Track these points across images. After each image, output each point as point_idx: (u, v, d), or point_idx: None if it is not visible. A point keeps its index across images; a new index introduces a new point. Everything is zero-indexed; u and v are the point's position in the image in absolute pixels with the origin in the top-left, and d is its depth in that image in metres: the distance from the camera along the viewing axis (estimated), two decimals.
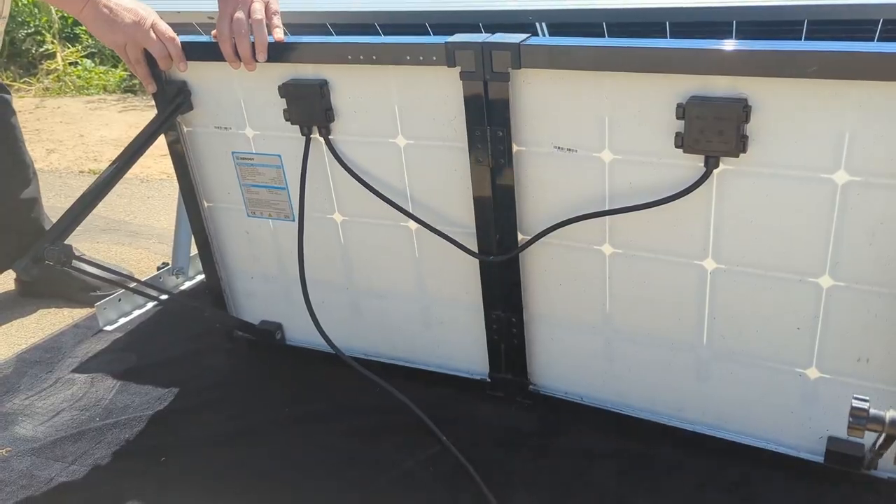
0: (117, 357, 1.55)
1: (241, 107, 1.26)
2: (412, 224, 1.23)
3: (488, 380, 1.31)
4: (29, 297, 1.90)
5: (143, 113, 3.54)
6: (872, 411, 0.84)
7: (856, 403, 0.84)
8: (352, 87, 1.16)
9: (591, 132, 1.03)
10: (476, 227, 1.17)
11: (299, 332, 1.48)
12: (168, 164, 2.46)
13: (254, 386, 1.43)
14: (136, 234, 2.29)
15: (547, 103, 1.04)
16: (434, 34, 1.38)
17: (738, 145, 0.93)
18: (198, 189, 1.39)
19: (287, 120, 1.22)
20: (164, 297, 1.44)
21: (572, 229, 1.09)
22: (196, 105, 1.30)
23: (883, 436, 0.85)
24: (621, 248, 1.10)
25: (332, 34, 1.46)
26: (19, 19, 4.48)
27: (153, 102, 1.33)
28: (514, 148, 1.09)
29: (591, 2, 1.25)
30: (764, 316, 1.04)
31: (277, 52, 1.16)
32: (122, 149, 1.24)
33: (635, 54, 0.94)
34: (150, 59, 1.23)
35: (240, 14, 1.15)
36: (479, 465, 1.15)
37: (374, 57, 1.09)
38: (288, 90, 1.18)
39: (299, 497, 1.15)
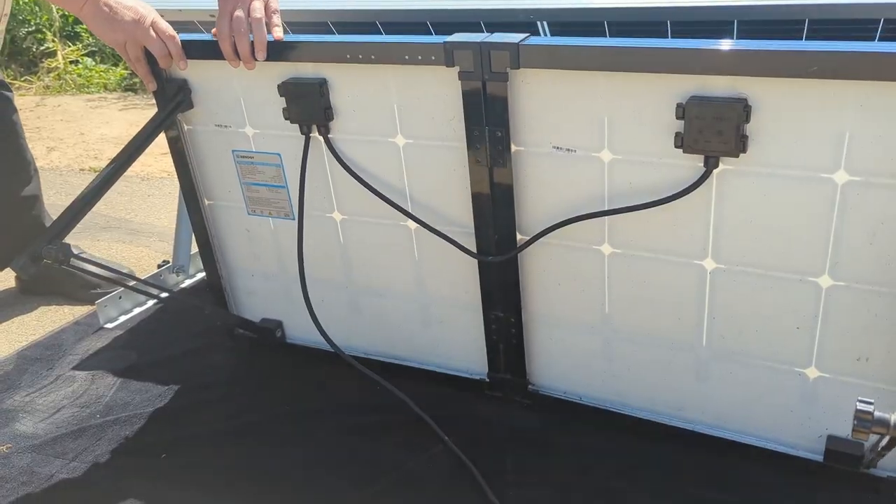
0: (118, 354, 1.55)
1: (240, 105, 1.26)
2: (411, 223, 1.23)
3: (487, 380, 1.31)
4: (30, 294, 1.90)
5: (143, 111, 3.55)
6: (877, 414, 0.84)
7: (860, 406, 0.84)
8: (351, 86, 1.16)
9: (591, 132, 1.03)
10: (475, 227, 1.17)
11: (299, 329, 1.48)
12: (169, 162, 2.46)
13: (254, 384, 1.43)
14: (136, 232, 2.29)
15: (546, 103, 1.04)
16: (435, 33, 1.38)
17: (738, 145, 0.93)
18: (198, 187, 1.39)
19: (286, 119, 1.22)
20: (163, 294, 1.44)
21: (571, 229, 1.09)
22: (196, 103, 1.30)
23: (887, 438, 0.85)
24: (620, 248, 1.10)
25: (333, 33, 1.46)
26: (20, 17, 4.48)
27: (154, 101, 1.33)
28: (513, 148, 1.09)
29: (592, 1, 1.25)
30: (763, 316, 1.04)
31: (276, 51, 1.16)
32: (123, 147, 1.24)
33: (635, 54, 0.94)
34: (150, 58, 1.23)
35: (239, 13, 1.15)
36: (479, 464, 1.16)
37: (373, 56, 1.09)
38: (287, 89, 1.18)
39: (299, 495, 1.15)
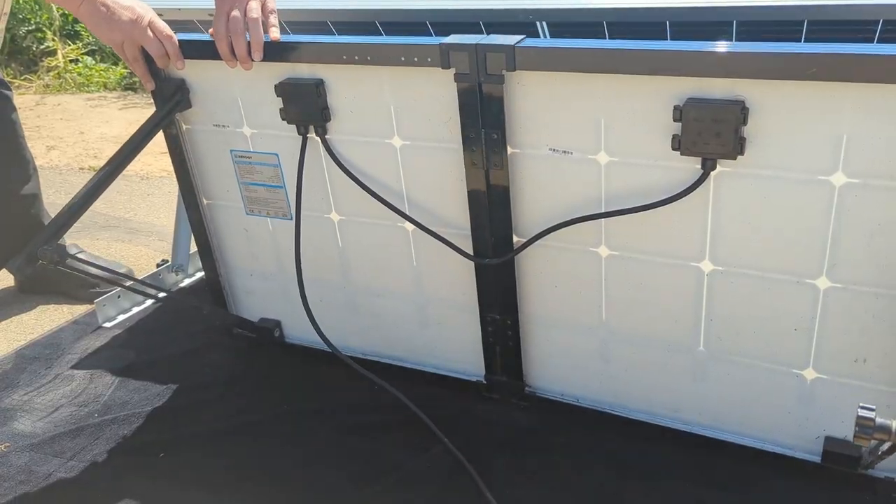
0: (116, 354, 1.55)
1: (238, 105, 1.26)
2: (408, 225, 1.23)
3: (484, 381, 1.31)
4: (29, 293, 1.90)
5: (143, 110, 3.55)
6: (879, 420, 0.84)
7: (862, 413, 0.84)
8: (348, 87, 1.16)
9: (587, 134, 1.03)
10: (471, 229, 1.17)
11: (298, 329, 1.48)
12: (168, 162, 2.45)
13: (253, 383, 1.43)
14: (135, 231, 2.29)
15: (542, 105, 1.04)
16: (435, 33, 1.39)
17: (736, 147, 0.93)
18: (197, 186, 1.39)
19: (284, 119, 1.22)
20: (161, 294, 1.44)
21: (568, 231, 1.09)
22: (194, 103, 1.30)
23: (888, 444, 0.85)
24: (617, 250, 1.10)
25: (332, 32, 1.46)
26: (20, 16, 4.48)
27: (153, 100, 1.33)
28: (509, 150, 1.09)
29: (591, 1, 1.25)
30: (761, 317, 1.04)
31: (273, 52, 1.16)
32: (120, 146, 1.24)
33: (631, 56, 0.94)
34: (147, 57, 1.23)
35: (236, 13, 1.14)
36: (477, 464, 1.16)
37: (369, 57, 1.09)
38: (284, 89, 1.18)
39: (298, 494, 1.15)
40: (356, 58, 1.10)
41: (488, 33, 1.35)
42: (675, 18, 1.20)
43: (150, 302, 1.74)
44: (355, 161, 1.22)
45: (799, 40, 1.17)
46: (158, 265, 1.83)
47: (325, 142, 1.21)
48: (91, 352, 1.56)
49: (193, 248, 1.66)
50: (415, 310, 1.33)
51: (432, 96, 1.10)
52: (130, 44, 1.20)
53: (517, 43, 1.00)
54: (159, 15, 1.55)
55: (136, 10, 1.19)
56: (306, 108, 1.18)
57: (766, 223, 0.98)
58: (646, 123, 0.98)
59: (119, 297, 1.70)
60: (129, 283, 1.48)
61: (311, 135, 1.22)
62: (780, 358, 1.06)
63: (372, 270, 1.32)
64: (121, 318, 1.68)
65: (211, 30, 1.19)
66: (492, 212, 1.14)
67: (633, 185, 1.03)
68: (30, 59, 4.49)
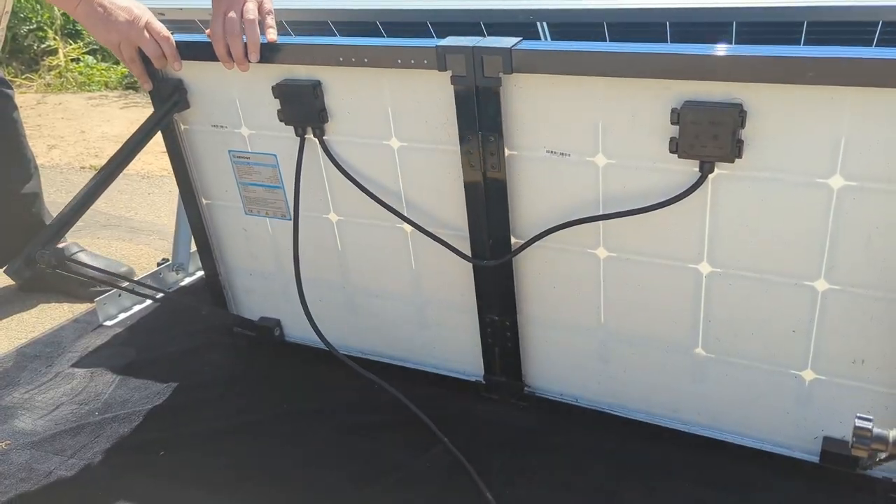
0: (117, 352, 1.55)
1: (236, 106, 1.26)
2: (407, 226, 1.23)
3: (483, 382, 1.32)
4: (29, 291, 1.90)
5: (144, 109, 3.55)
6: (876, 431, 0.83)
7: (859, 423, 0.84)
8: (345, 89, 1.16)
9: (585, 136, 1.03)
10: (469, 231, 1.17)
11: (298, 328, 1.49)
12: (168, 159, 2.46)
13: (252, 382, 1.43)
14: (136, 231, 2.30)
15: (539, 107, 1.04)
16: (436, 33, 1.39)
17: (734, 150, 0.93)
18: (196, 186, 1.39)
19: (281, 120, 1.21)
20: (159, 295, 1.44)
21: (566, 233, 1.09)
22: (192, 103, 1.30)
23: (886, 454, 0.85)
24: (615, 251, 1.10)
25: (333, 32, 1.47)
26: (21, 15, 4.48)
27: (151, 100, 1.33)
28: (507, 152, 1.09)
29: (592, 2, 1.25)
30: (759, 319, 1.04)
31: (270, 53, 1.16)
32: (119, 147, 1.24)
33: (629, 59, 0.93)
34: (144, 58, 1.23)
35: (233, 14, 1.14)
36: (476, 464, 1.16)
37: (366, 59, 1.09)
38: (281, 91, 1.18)
39: (297, 493, 1.15)
40: (353, 60, 1.10)
41: (488, 34, 1.35)
42: (675, 19, 1.20)
43: (150, 300, 1.74)
44: (353, 162, 1.22)
45: (798, 42, 1.17)
46: (159, 264, 1.83)
47: (322, 143, 1.21)
48: (92, 350, 1.56)
49: (194, 247, 1.66)
50: (414, 310, 1.33)
51: (429, 98, 1.10)
52: (127, 45, 1.20)
53: (514, 46, 1.00)
54: (161, 14, 1.56)
55: (133, 11, 1.18)
56: (304, 109, 1.18)
57: (764, 225, 0.98)
58: (643, 126, 0.98)
59: (120, 295, 1.71)
60: (125, 283, 1.48)
61: (309, 136, 1.22)
62: (779, 359, 1.06)
63: (370, 271, 1.33)
64: (121, 316, 1.69)
65: (208, 30, 1.19)
66: (489, 214, 1.14)
67: (631, 188, 1.03)
68: (31, 57, 4.49)
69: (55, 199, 2.35)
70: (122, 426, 1.32)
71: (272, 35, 1.16)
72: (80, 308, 1.78)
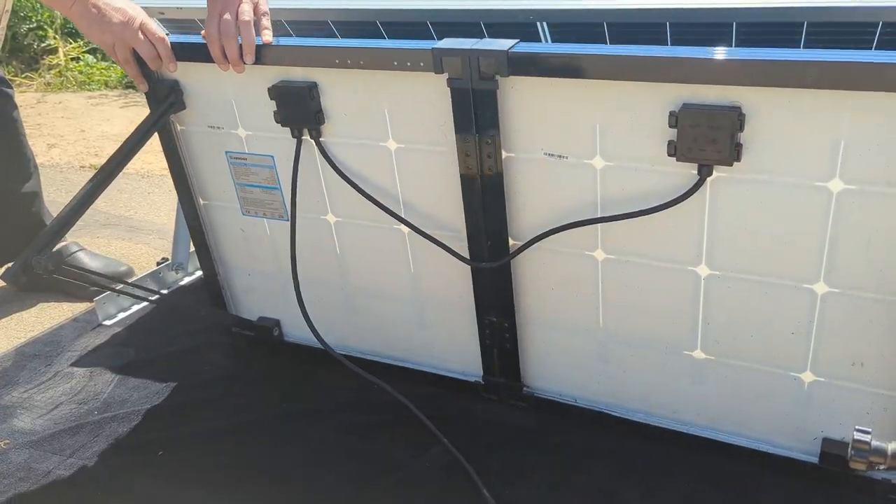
0: (116, 351, 1.55)
1: (232, 107, 1.26)
2: (404, 227, 1.23)
3: (482, 382, 1.32)
4: (29, 291, 1.90)
5: (144, 109, 3.53)
6: (874, 444, 0.83)
7: (857, 436, 0.84)
8: (341, 90, 1.15)
9: (582, 139, 1.02)
10: (467, 233, 1.17)
11: (297, 328, 1.48)
12: None
13: (252, 381, 1.43)
14: (136, 230, 2.30)
15: (536, 110, 1.03)
16: (436, 33, 1.39)
17: (732, 154, 0.92)
18: (193, 187, 1.39)
19: (277, 122, 1.21)
20: (153, 297, 1.44)
21: (564, 235, 1.09)
22: (188, 104, 1.29)
23: (884, 466, 0.85)
24: (614, 253, 1.09)
25: (334, 32, 1.47)
26: (21, 14, 4.48)
27: (147, 101, 1.32)
28: (504, 154, 1.08)
29: (592, 2, 1.25)
30: (758, 321, 1.04)
31: (266, 55, 1.15)
32: (116, 149, 1.24)
33: (626, 63, 0.93)
34: (140, 59, 1.22)
35: (228, 15, 1.13)
36: (475, 464, 1.16)
37: (362, 62, 1.08)
38: (277, 92, 1.17)
39: (297, 493, 1.15)
40: (348, 62, 1.09)
41: (488, 34, 1.35)
42: (675, 19, 1.20)
43: (150, 299, 1.74)
44: (350, 163, 1.21)
45: (798, 42, 1.17)
46: (158, 263, 1.83)
47: (319, 144, 1.20)
48: (91, 349, 1.56)
49: (193, 246, 1.66)
50: (413, 311, 1.33)
51: (426, 100, 1.09)
52: (121, 46, 1.19)
53: (510, 48, 0.99)
54: (161, 14, 1.56)
55: (128, 12, 1.17)
56: (300, 110, 1.17)
57: (763, 228, 0.98)
58: (641, 129, 0.97)
59: (119, 295, 1.71)
60: (120, 286, 1.47)
61: (306, 137, 1.21)
62: (778, 361, 1.06)
63: (369, 272, 1.33)
64: (121, 316, 1.69)
65: (203, 31, 1.18)
66: (487, 215, 1.14)
67: (629, 190, 1.03)
68: (31, 56, 4.49)
69: (55, 198, 2.35)
70: (121, 426, 1.32)
71: (268, 36, 1.15)
72: (80, 307, 1.78)
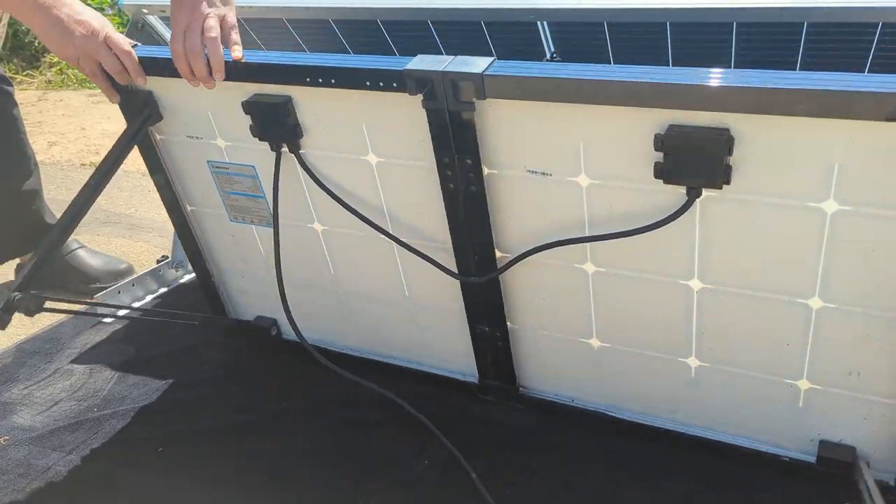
0: (116, 349, 1.56)
1: (209, 118, 1.22)
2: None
3: (478, 384, 1.31)
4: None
5: None
6: None
7: None
8: (318, 105, 1.11)
9: (565, 157, 0.99)
10: (453, 248, 1.14)
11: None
12: None
13: (251, 380, 1.43)
14: (136, 227, 2.30)
15: (516, 129, 0.99)
16: (436, 31, 1.39)
17: (722, 177, 0.89)
18: (179, 194, 1.36)
19: (255, 136, 1.16)
20: (120, 312, 1.41)
21: (553, 248, 1.06)
22: (165, 115, 1.25)
23: None
24: (604, 266, 1.07)
25: (334, 29, 1.47)
26: None
27: (122, 113, 1.28)
28: (486, 171, 1.05)
29: (593, 1, 1.25)
30: (753, 333, 1.02)
31: (236, 72, 1.10)
32: (96, 167, 1.20)
33: (607, 87, 0.88)
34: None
35: (193, 30, 1.08)
36: (474, 463, 1.16)
37: (333, 81, 1.04)
38: (252, 107, 1.13)
39: (294, 491, 1.16)
40: (320, 81, 1.04)
41: (489, 33, 1.36)
42: (676, 19, 1.20)
43: (149, 298, 1.75)
44: (332, 175, 1.18)
45: (799, 42, 1.17)
46: (158, 261, 1.83)
47: (299, 157, 1.16)
48: (90, 347, 1.57)
49: None
50: (406, 315, 1.32)
51: (403, 117, 1.05)
52: (86, 59, 1.13)
53: (485, 70, 0.94)
54: (162, 12, 1.56)
55: (91, 24, 1.11)
56: (276, 125, 1.13)
57: (755, 246, 0.95)
58: (626, 150, 0.94)
59: (119, 292, 1.71)
60: (100, 310, 1.43)
61: (286, 150, 1.17)
62: (774, 369, 1.05)
63: (360, 277, 1.31)
64: (121, 313, 1.69)
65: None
66: (472, 231, 1.10)
67: (617, 208, 1.00)
68: (32, 54, 4.49)
69: (55, 195, 2.35)
70: (120, 423, 1.33)
71: (237, 53, 1.10)
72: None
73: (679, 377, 1.13)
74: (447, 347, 1.31)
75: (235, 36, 1.12)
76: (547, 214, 1.05)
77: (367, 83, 1.02)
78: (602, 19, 1.25)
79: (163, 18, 1.59)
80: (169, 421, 1.33)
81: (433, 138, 1.03)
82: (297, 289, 1.37)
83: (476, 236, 1.11)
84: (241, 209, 1.32)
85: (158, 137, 1.30)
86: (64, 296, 1.85)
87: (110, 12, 4.29)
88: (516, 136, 1.00)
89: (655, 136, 0.89)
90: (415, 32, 1.41)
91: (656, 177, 0.92)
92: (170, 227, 2.03)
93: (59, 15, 1.11)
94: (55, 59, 4.31)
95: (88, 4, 1.37)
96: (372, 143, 1.11)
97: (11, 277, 1.96)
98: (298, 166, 1.18)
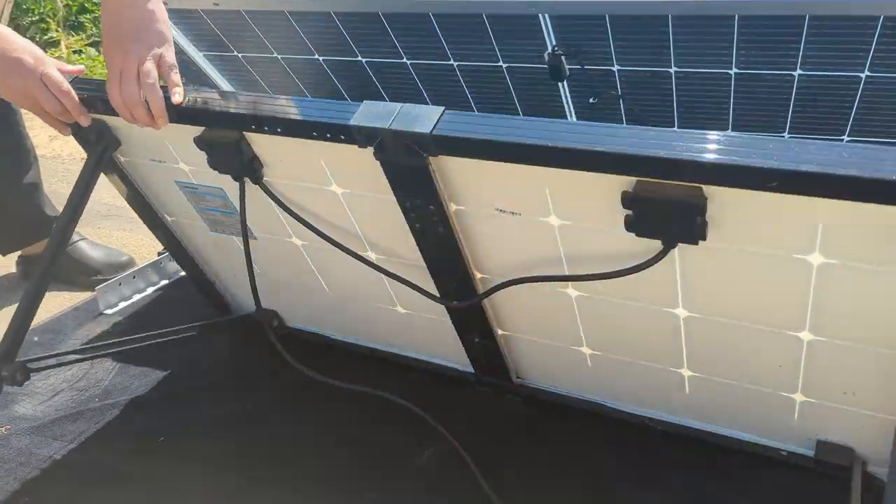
0: (117, 340, 1.56)
1: (167, 146, 1.17)
2: (372, 251, 1.16)
3: (474, 377, 1.31)
4: (31, 279, 1.91)
5: None
6: None
7: None
8: (273, 140, 1.04)
9: (532, 200, 0.92)
10: (431, 276, 1.10)
11: (296, 318, 1.49)
12: None
13: (252, 370, 1.43)
14: (137, 221, 2.28)
15: (477, 175, 0.93)
16: (438, 26, 1.39)
17: (696, 234, 0.82)
18: (156, 208, 1.33)
19: (213, 168, 1.10)
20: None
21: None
22: (124, 140, 1.20)
23: None
24: (587, 292, 1.03)
25: (335, 23, 1.47)
26: (24, 7, 4.48)
27: (77, 142, 1.24)
28: (453, 207, 0.98)
29: None
30: (744, 356, 0.99)
31: (179, 115, 1.03)
32: (62, 209, 1.18)
33: (566, 154, 0.81)
34: None
35: (130, 74, 1.01)
36: (474, 455, 1.16)
37: (279, 129, 0.98)
38: (204, 143, 1.07)
39: (295, 479, 1.16)
40: (265, 128, 0.98)
41: (490, 26, 1.36)
42: (677, 12, 1.20)
43: (150, 289, 1.75)
44: (302, 201, 1.11)
45: (801, 35, 1.18)
46: (160, 254, 1.83)
47: (263, 187, 1.10)
48: (92, 337, 1.57)
49: None
50: (399, 317, 1.30)
51: (359, 159, 0.97)
52: (24, 98, 1.06)
53: (433, 129, 0.86)
54: (165, 3, 1.56)
55: (25, 64, 1.04)
56: (232, 160, 1.06)
57: (740, 290, 0.90)
58: (594, 202, 0.87)
59: (120, 284, 1.71)
60: (88, 355, 1.40)
61: (248, 180, 1.11)
62: (768, 385, 1.02)
63: (348, 284, 1.29)
64: (122, 304, 1.69)
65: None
66: (448, 264, 1.06)
67: (592, 248, 0.94)
68: None
69: (57, 188, 2.36)
70: (121, 412, 1.33)
71: (177, 97, 1.02)
72: (81, 296, 1.78)
73: (673, 383, 1.11)
74: (442, 345, 1.30)
75: (175, 77, 1.04)
76: (522, 249, 1.00)
77: (314, 134, 0.95)
78: (604, 12, 1.25)
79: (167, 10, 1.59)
80: (170, 411, 1.33)
81: (391, 185, 0.98)
82: (292, 289, 1.37)
83: (452, 268, 1.06)
84: (218, 223, 1.28)
85: (123, 160, 1.25)
86: (64, 287, 1.86)
87: None
88: (478, 180, 0.94)
89: (623, 193, 0.83)
90: (416, 25, 1.41)
91: (627, 230, 0.86)
92: None
93: None
94: (56, 54, 4.32)
95: None
96: (334, 176, 1.04)
97: (13, 269, 1.97)
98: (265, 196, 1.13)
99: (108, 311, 1.67)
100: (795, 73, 1.25)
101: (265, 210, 1.19)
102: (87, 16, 4.46)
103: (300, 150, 1.03)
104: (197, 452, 1.23)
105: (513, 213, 0.95)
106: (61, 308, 1.73)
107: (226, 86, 1.80)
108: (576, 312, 1.08)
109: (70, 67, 1.11)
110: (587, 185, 0.86)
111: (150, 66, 1.02)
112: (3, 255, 1.89)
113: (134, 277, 1.75)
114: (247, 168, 1.07)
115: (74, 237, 1.90)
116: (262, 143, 1.07)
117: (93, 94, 1.08)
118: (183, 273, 1.82)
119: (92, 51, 4.32)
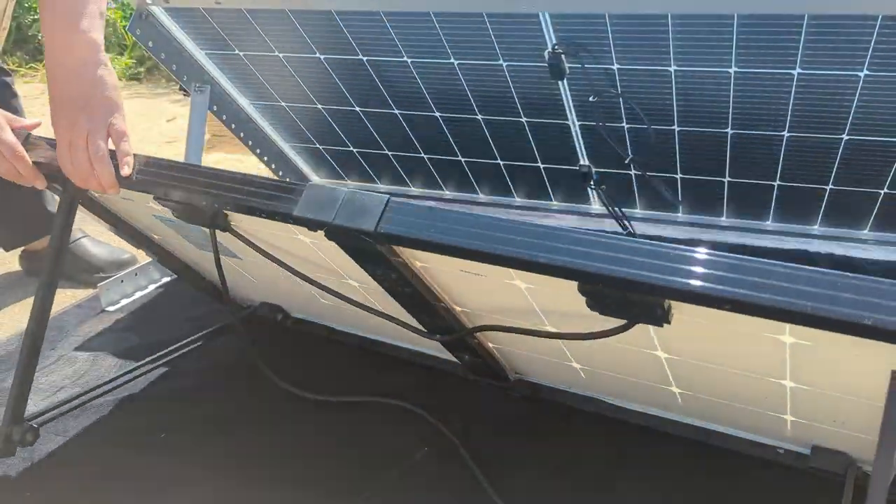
0: (119, 336, 1.57)
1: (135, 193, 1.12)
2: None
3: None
4: (34, 276, 1.92)
5: (148, 101, 3.54)
6: None
7: None
8: None
9: (497, 270, 0.87)
10: (413, 317, 1.09)
11: (300, 314, 1.49)
12: (172, 151, 2.47)
13: (254, 367, 1.44)
14: None
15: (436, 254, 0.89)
16: (438, 24, 1.40)
17: (661, 317, 0.78)
18: (140, 230, 1.33)
19: (178, 219, 1.06)
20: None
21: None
22: None
23: None
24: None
25: (337, 23, 1.47)
26: (26, 5, 4.50)
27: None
28: (419, 264, 0.96)
29: None
30: (731, 388, 0.98)
31: (129, 186, 1.01)
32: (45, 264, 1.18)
33: (513, 262, 0.78)
34: None
35: (78, 148, 0.99)
36: (471, 451, 1.17)
37: (229, 207, 0.96)
38: (165, 202, 1.03)
39: (295, 477, 1.17)
40: (216, 205, 0.96)
41: (490, 24, 1.36)
42: (678, 10, 1.21)
43: (153, 286, 1.76)
44: (275, 242, 1.09)
45: (800, 33, 1.18)
46: None
47: (233, 232, 1.08)
48: (94, 334, 1.58)
49: None
50: (393, 326, 1.30)
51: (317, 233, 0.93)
52: None
53: (377, 226, 0.84)
54: (166, 2, 1.56)
55: None
56: (197, 215, 1.03)
57: (716, 353, 0.89)
58: (554, 285, 0.83)
59: (122, 281, 1.72)
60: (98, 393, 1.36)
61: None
62: (757, 406, 1.02)
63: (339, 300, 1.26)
64: (124, 301, 1.70)
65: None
66: (426, 309, 1.05)
67: (561, 306, 0.91)
68: (36, 47, 4.51)
69: None
70: (123, 409, 1.34)
71: (126, 170, 0.99)
72: (83, 293, 1.79)
73: (667, 395, 1.11)
74: (440, 347, 1.31)
75: (125, 146, 1.01)
76: (495, 302, 0.99)
77: (263, 215, 0.92)
78: (604, 10, 1.26)
79: (167, 10, 1.60)
80: (172, 407, 1.34)
81: (351, 257, 0.97)
82: (287, 291, 1.37)
83: (431, 314, 1.06)
84: (204, 245, 1.27)
85: (98, 194, 1.21)
86: (67, 284, 1.87)
87: (113, 6, 4.29)
88: (437, 256, 0.89)
89: (578, 286, 0.79)
90: (417, 24, 1.42)
91: (590, 309, 0.82)
92: None
93: None
94: None
95: None
96: (300, 231, 1.00)
97: (15, 266, 1.98)
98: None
99: (111, 309, 1.68)
100: (794, 72, 1.26)
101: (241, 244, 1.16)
102: None
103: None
104: (198, 450, 1.23)
105: (477, 274, 0.92)
106: (63, 305, 1.74)
107: (227, 84, 1.81)
108: (563, 347, 1.08)
109: (25, 122, 1.08)
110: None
111: (99, 140, 1.00)
112: (7, 250, 1.90)
113: (136, 274, 1.76)
114: (212, 220, 1.04)
115: (77, 234, 1.91)
116: None
117: (46, 160, 1.06)
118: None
119: None
